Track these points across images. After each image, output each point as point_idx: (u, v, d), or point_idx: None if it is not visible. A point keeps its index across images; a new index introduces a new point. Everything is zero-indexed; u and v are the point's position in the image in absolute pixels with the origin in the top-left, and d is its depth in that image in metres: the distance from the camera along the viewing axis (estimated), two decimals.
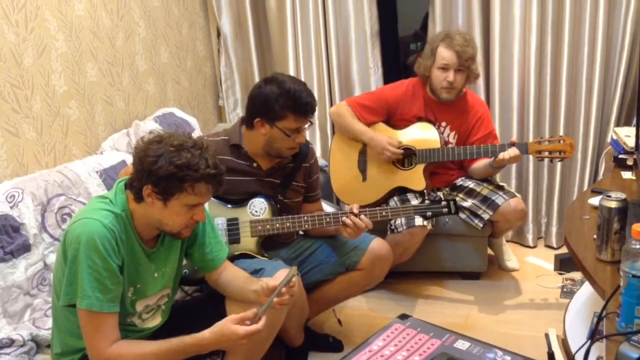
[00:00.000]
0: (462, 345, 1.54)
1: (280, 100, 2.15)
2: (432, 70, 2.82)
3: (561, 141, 2.63)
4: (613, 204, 1.75)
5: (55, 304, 1.74)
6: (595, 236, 1.86)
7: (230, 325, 1.65)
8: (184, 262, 1.96)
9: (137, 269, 1.73)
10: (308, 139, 2.52)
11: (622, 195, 1.77)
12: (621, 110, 3.16)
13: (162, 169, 1.60)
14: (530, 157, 3.28)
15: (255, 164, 2.29)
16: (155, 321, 1.86)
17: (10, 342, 1.85)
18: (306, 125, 2.24)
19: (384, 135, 2.85)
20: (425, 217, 2.52)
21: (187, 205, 1.67)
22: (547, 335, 1.48)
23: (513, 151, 2.63)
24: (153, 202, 1.65)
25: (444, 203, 2.35)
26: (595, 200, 2.17)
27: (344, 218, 2.22)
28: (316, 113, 3.61)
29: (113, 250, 1.63)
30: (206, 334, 1.67)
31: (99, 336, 1.62)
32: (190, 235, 1.89)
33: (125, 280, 1.70)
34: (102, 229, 1.61)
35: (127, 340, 1.69)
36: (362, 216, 2.23)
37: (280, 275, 1.99)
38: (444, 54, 2.77)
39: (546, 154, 2.66)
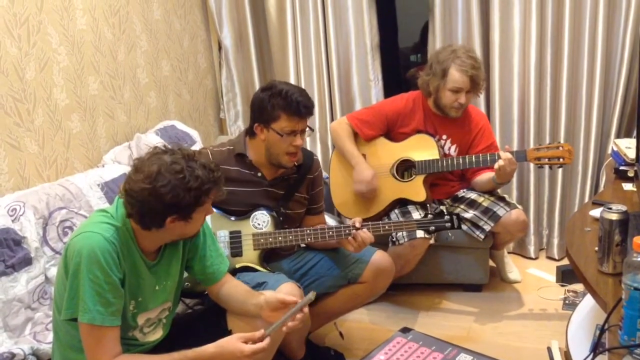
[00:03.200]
0: (464, 358, 1.54)
1: (272, 101, 2.18)
2: (442, 90, 2.81)
3: (560, 147, 2.63)
4: (614, 216, 1.75)
5: (57, 318, 1.74)
6: (596, 248, 1.85)
7: (236, 342, 1.66)
8: (185, 274, 1.96)
9: (138, 282, 1.73)
10: (314, 153, 2.51)
11: (623, 208, 1.77)
12: (621, 122, 3.17)
13: (184, 199, 1.62)
14: (532, 167, 3.28)
15: (259, 174, 2.30)
16: (157, 335, 1.85)
17: (11, 356, 1.84)
18: (306, 130, 2.24)
19: (369, 171, 2.85)
20: (428, 232, 2.51)
21: (206, 210, 1.74)
22: (549, 349, 1.48)
23: (504, 155, 2.63)
24: (175, 226, 1.68)
25: (446, 217, 2.34)
26: (596, 212, 2.17)
27: (353, 232, 2.23)
28: (317, 125, 3.65)
29: (114, 263, 1.63)
30: (210, 348, 1.67)
31: (100, 350, 1.61)
32: (191, 249, 1.90)
33: (127, 293, 1.69)
34: (103, 242, 1.61)
35: (129, 354, 1.69)
36: (365, 230, 2.23)
37: (284, 289, 2.00)
38: (457, 78, 2.75)
39: (545, 160, 2.66)
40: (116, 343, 1.64)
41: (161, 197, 1.60)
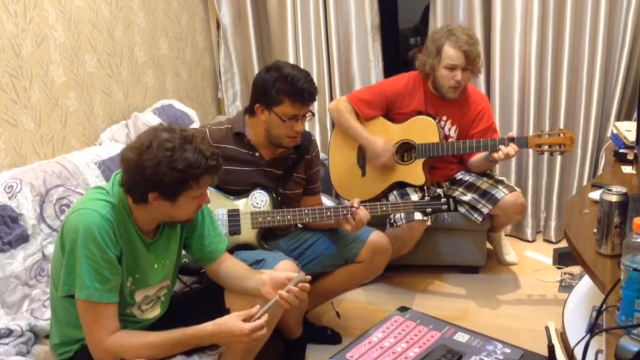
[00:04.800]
0: (461, 337, 1.55)
1: (276, 85, 2.14)
2: (438, 69, 2.79)
3: (561, 134, 2.62)
4: (614, 198, 1.75)
5: (54, 295, 1.74)
6: (595, 230, 1.86)
7: (236, 320, 1.67)
8: (183, 252, 1.96)
9: (135, 259, 1.73)
10: (312, 134, 2.49)
11: (623, 189, 1.77)
12: (621, 104, 3.16)
13: (166, 177, 1.59)
14: (530, 151, 3.28)
15: (257, 154, 2.29)
16: (155, 312, 1.85)
17: (9, 332, 1.84)
18: (307, 115, 2.22)
19: (380, 140, 2.83)
20: (425, 214, 2.52)
21: (194, 197, 1.69)
22: (547, 328, 1.48)
23: (512, 149, 2.62)
24: (160, 204, 1.66)
25: (443, 200, 2.35)
26: (595, 195, 2.17)
27: (351, 210, 2.22)
28: (316, 107, 3.62)
29: (111, 240, 1.62)
30: (208, 326, 1.67)
31: (98, 326, 1.61)
32: (188, 228, 1.89)
33: (124, 270, 1.69)
34: (99, 220, 1.61)
35: (127, 331, 1.69)
36: (361, 207, 2.23)
37: (282, 266, 2.00)
38: (451, 54, 2.74)
39: (546, 147, 2.65)
40: (114, 319, 1.64)
41: (142, 170, 1.59)
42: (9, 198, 2.07)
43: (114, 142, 2.70)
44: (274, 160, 2.32)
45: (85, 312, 1.62)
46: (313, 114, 2.28)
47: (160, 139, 1.61)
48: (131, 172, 1.62)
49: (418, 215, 2.70)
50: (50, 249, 2.14)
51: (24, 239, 2.07)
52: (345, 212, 2.23)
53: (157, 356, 1.66)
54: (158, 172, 1.58)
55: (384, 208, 2.33)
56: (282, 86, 2.14)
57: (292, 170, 2.37)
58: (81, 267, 1.59)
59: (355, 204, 2.23)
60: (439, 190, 2.94)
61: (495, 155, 2.65)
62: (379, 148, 2.81)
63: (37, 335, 1.95)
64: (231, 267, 1.95)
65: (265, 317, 1.69)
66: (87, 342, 1.65)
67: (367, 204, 2.30)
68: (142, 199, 1.64)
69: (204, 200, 1.74)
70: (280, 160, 2.34)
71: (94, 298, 1.59)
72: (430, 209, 2.37)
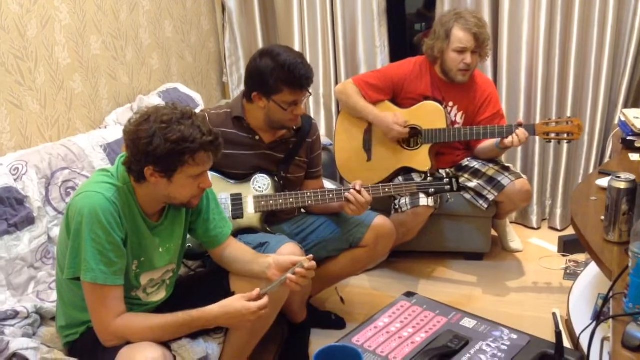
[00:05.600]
0: (468, 323, 1.55)
1: (274, 74, 2.11)
2: (447, 53, 2.77)
3: (569, 122, 2.60)
4: (622, 185, 1.75)
5: (60, 277, 1.74)
6: (602, 217, 1.85)
7: (241, 300, 1.67)
8: (188, 236, 1.96)
9: (140, 242, 1.72)
10: (312, 117, 2.48)
11: (632, 177, 1.76)
12: (629, 91, 3.13)
13: (159, 148, 1.57)
14: (537, 138, 3.26)
15: (257, 137, 2.28)
16: (160, 295, 1.86)
17: (15, 314, 1.85)
18: (305, 96, 2.21)
19: (389, 114, 2.82)
20: (427, 194, 2.51)
21: (192, 176, 1.67)
22: (554, 315, 1.48)
23: (522, 134, 2.60)
24: (157, 181, 1.64)
25: (446, 180, 2.34)
26: (602, 182, 2.16)
27: (346, 193, 2.21)
28: (321, 91, 3.61)
29: (116, 223, 1.62)
30: (214, 308, 1.67)
31: (104, 309, 1.62)
32: (194, 212, 1.89)
33: (129, 253, 1.69)
34: (104, 202, 1.60)
35: (133, 313, 1.69)
36: (363, 190, 2.22)
37: (286, 249, 2.00)
38: (461, 37, 2.71)
39: (553, 135, 2.64)
40: (120, 302, 1.65)
41: (138, 141, 1.59)
42: (15, 180, 2.07)
43: (119, 125, 2.69)
44: (274, 143, 2.32)
45: (91, 295, 1.62)
46: (310, 93, 2.26)
47: (159, 113, 1.61)
48: (128, 144, 1.62)
49: (423, 201, 2.69)
50: (55, 232, 2.14)
51: (29, 221, 2.07)
52: (346, 193, 2.23)
53: (162, 338, 1.66)
54: (152, 143, 1.57)
55: (387, 189, 2.32)
56: (280, 75, 2.11)
57: (293, 154, 2.36)
58: (87, 250, 1.58)
59: (357, 187, 2.22)
60: (443, 172, 2.93)
61: (507, 141, 2.62)
62: (390, 120, 2.79)
63: (43, 317, 1.95)
64: (236, 251, 1.95)
65: (266, 298, 1.69)
66: (93, 324, 1.66)
67: (369, 186, 2.28)
68: (141, 176, 1.64)
69: (204, 182, 1.72)
70: (281, 143, 2.33)
71: (99, 281, 1.59)
72: (432, 189, 2.36)
